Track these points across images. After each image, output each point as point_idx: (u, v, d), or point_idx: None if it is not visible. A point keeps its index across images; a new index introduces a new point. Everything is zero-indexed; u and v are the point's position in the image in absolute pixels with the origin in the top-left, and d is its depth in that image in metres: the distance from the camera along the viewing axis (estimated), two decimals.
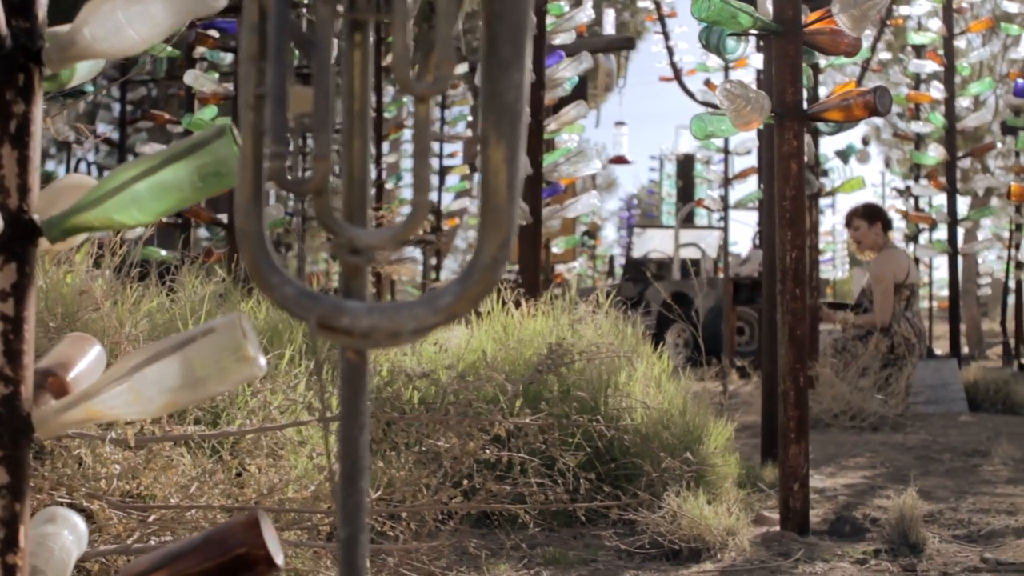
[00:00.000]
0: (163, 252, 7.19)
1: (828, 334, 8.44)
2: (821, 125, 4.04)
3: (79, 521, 1.81)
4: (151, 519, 2.73)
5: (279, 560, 1.62)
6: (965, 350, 16.41)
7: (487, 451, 3.12)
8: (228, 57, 7.36)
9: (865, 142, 22.19)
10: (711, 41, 3.95)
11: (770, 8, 3.89)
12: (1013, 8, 9.77)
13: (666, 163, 23.82)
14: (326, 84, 1.27)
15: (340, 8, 1.27)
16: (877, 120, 22.50)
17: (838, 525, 3.84)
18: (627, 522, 3.58)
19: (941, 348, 17.69)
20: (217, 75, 7.34)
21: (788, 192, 3.76)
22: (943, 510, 4.31)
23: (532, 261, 6.50)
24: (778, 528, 3.80)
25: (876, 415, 7.28)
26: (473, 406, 3.56)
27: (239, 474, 3.13)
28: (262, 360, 1.67)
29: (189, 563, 1.63)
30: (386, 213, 8.65)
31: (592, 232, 24.58)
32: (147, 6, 1.66)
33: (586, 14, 6.56)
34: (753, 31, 3.85)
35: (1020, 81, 6.08)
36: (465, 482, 3.08)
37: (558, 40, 6.68)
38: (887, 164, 19.91)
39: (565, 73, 6.61)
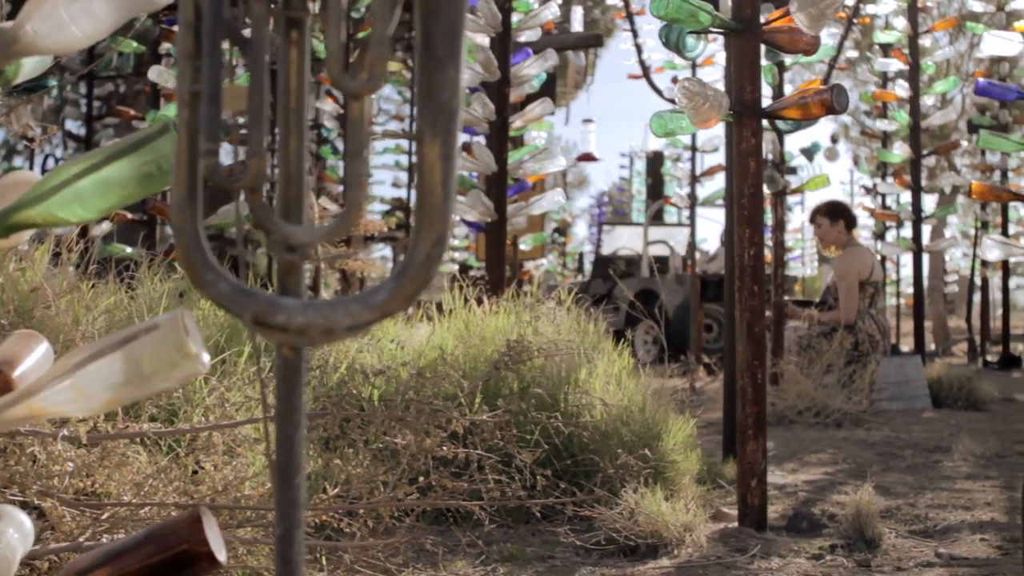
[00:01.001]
0: (128, 249, 7.15)
1: (794, 331, 8.48)
2: (781, 123, 4.04)
3: (25, 519, 1.80)
4: (104, 517, 2.72)
5: (221, 557, 1.62)
6: (932, 347, 16.54)
7: (444, 448, 3.12)
8: None
9: (834, 140, 22.27)
10: (671, 39, 3.96)
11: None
12: (979, 7, 9.81)
13: (636, 160, 23.87)
14: (260, 81, 1.27)
15: (274, 6, 1.27)
16: (845, 118, 22.64)
17: (795, 521, 3.86)
18: (586, 519, 3.59)
19: (909, 344, 17.83)
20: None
21: (746, 190, 3.78)
22: (901, 506, 4.34)
23: (497, 258, 6.50)
24: (736, 524, 3.81)
25: (840, 411, 7.32)
26: (432, 403, 3.56)
27: (196, 472, 3.13)
28: (205, 357, 1.66)
29: (131, 560, 1.62)
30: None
31: (562, 229, 24.62)
32: (89, 3, 1.65)
33: (552, 11, 6.56)
34: (712, 29, 3.86)
35: (982, 80, 6.11)
36: (422, 479, 3.08)
37: (524, 37, 6.68)
38: (856, 162, 20.02)
39: (531, 70, 6.61)
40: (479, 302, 4.63)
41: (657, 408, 4.22)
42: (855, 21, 11.38)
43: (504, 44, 6.55)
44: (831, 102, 3.66)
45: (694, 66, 10.48)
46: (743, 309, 3.78)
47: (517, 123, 6.56)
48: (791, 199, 21.10)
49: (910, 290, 21.40)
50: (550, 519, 3.64)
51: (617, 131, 44.36)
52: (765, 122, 4.16)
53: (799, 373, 7.62)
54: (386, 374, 3.50)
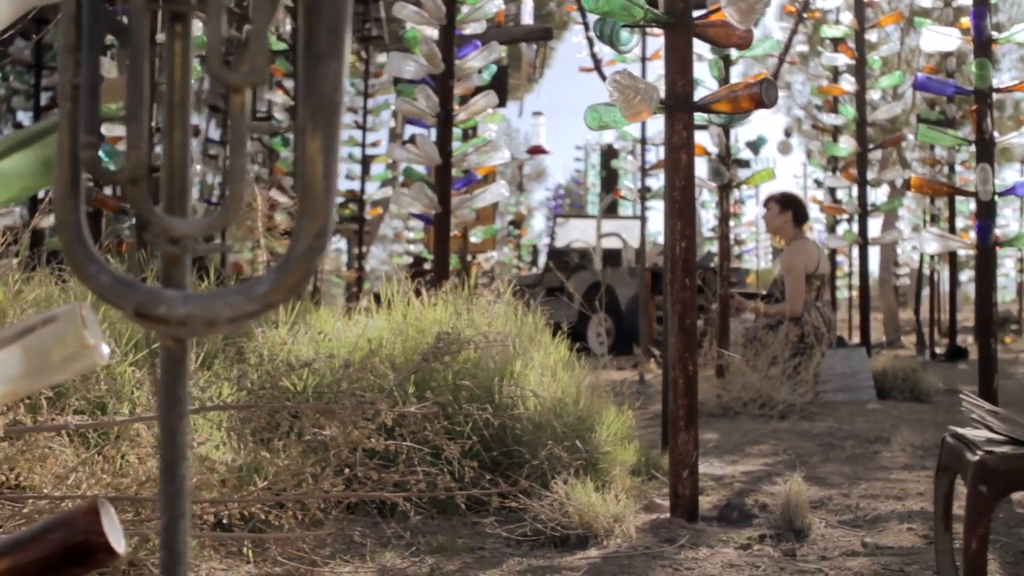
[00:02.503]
0: None
1: (741, 323, 8.55)
2: (713, 116, 4.07)
3: None
4: (25, 510, 2.71)
5: (120, 548, 1.62)
6: (884, 338, 16.68)
7: (372, 440, 3.12)
8: None
9: (787, 134, 22.46)
10: (605, 32, 3.97)
11: None
12: (927, 2, 9.90)
13: (591, 153, 23.92)
14: (140, 74, 1.27)
15: None
16: (799, 112, 22.77)
17: (727, 511, 3.90)
18: (517, 511, 3.61)
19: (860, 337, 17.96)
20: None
21: (677, 183, 3.81)
22: (834, 496, 4.39)
23: (442, 250, 6.51)
24: (668, 515, 3.84)
25: (785, 403, 7.38)
26: (366, 395, 3.56)
27: (123, 465, 3.12)
28: (104, 349, 1.66)
29: (29, 552, 1.62)
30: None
31: (518, 222, 24.64)
32: None
33: (496, 4, 6.56)
34: (645, 23, 3.88)
35: (920, 75, 6.18)
36: (347, 471, 3.09)
37: (469, 30, 6.68)
38: (809, 156, 20.12)
39: (475, 63, 6.62)
40: (417, 294, 4.63)
41: (592, 400, 4.24)
42: (805, 15, 11.45)
43: (448, 37, 6.55)
44: (760, 96, 3.69)
45: (644, 59, 10.50)
46: (675, 301, 3.81)
47: (461, 116, 6.57)
48: (745, 192, 21.24)
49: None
50: (482, 511, 3.65)
51: (573, 124, 44.45)
52: (712, 116, 4.19)
53: (745, 365, 7.67)
54: (312, 366, 3.49)
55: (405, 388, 3.81)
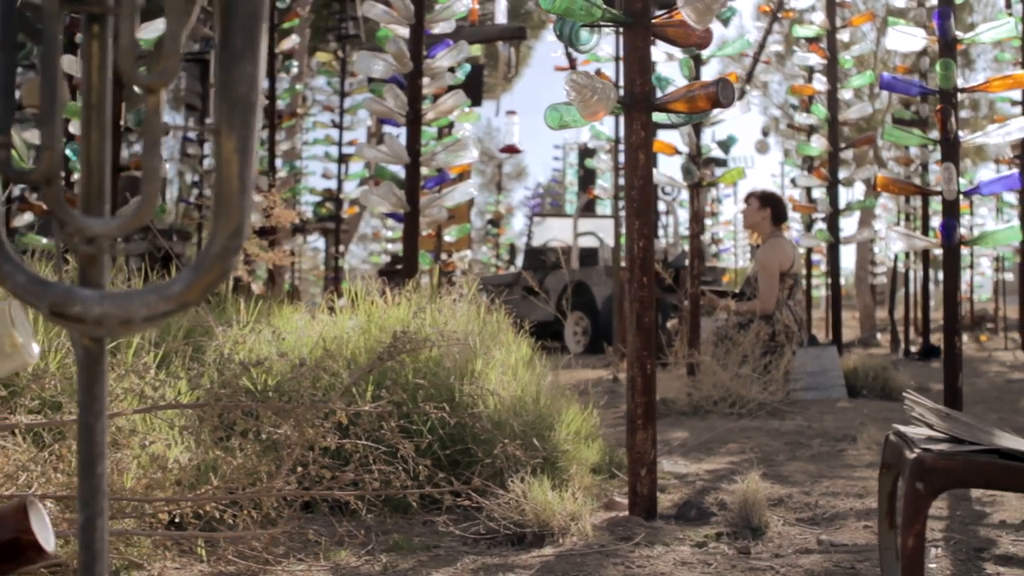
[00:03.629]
0: (43, 240, 7.09)
1: (713, 321, 8.56)
2: (672, 116, 4.09)
3: None
4: None
5: (49, 547, 1.63)
6: (860, 336, 16.74)
7: (327, 439, 3.13)
8: None
9: (765, 133, 22.51)
10: (564, 32, 3.98)
11: None
12: (901, 2, 9.95)
13: (569, 152, 23.96)
14: (52, 75, 1.27)
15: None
16: (776, 111, 22.84)
17: (685, 509, 3.91)
18: (477, 509, 3.62)
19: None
20: None
21: (636, 182, 3.82)
22: (794, 494, 4.41)
23: (411, 249, 6.51)
24: (627, 513, 3.86)
25: (755, 402, 7.40)
26: (324, 394, 3.57)
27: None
28: (34, 347, 1.67)
29: None
30: (274, 197, 8.63)
31: (496, 221, 24.65)
32: None
33: (464, 4, 6.57)
34: (603, 23, 3.89)
35: (886, 75, 6.20)
36: (301, 470, 3.09)
37: (438, 29, 6.69)
38: (786, 155, 20.20)
39: (443, 63, 6.62)
40: (382, 293, 4.64)
41: (552, 399, 4.26)
42: (779, 15, 11.49)
43: (417, 36, 6.55)
44: (716, 95, 3.70)
45: (617, 59, 10.52)
46: (633, 300, 3.82)
47: (430, 115, 6.57)
48: (723, 191, 21.31)
49: (841, 281, 21.70)
50: (440, 510, 3.66)
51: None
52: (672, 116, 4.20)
53: (715, 363, 7.69)
54: (266, 364, 3.50)
55: (365, 387, 3.82)
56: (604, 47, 10.78)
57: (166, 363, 3.73)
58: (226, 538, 2.91)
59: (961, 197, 5.87)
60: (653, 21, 3.90)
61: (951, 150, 5.68)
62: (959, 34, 5.96)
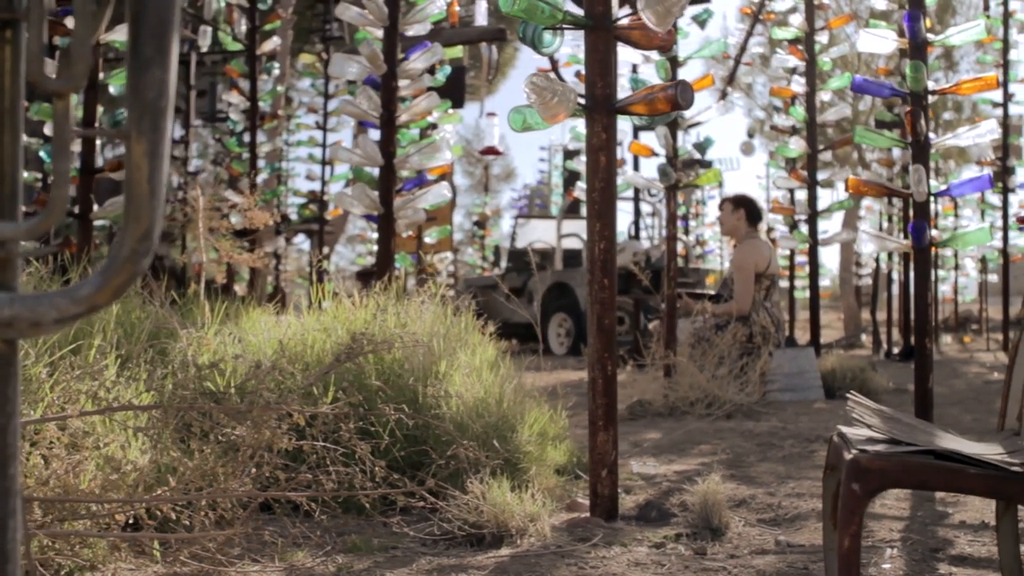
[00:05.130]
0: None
1: (691, 323, 8.57)
2: (635, 119, 4.10)
3: None
4: None
5: None
6: (843, 337, 16.76)
7: (285, 440, 3.14)
8: None
9: (750, 135, 22.56)
10: (527, 34, 3.99)
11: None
12: (881, 4, 9.98)
13: (555, 154, 23.99)
14: None
15: None
16: (760, 113, 22.88)
17: (646, 510, 3.93)
18: (437, 510, 3.62)
19: (824, 337, 18.06)
20: None
21: (597, 184, 3.83)
22: (758, 495, 4.42)
23: (385, 251, 6.52)
24: (588, 514, 3.87)
25: (731, 403, 7.41)
26: (285, 396, 3.57)
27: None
28: None
29: None
30: (252, 198, 8.63)
31: (482, 222, 24.66)
32: None
33: (437, 6, 6.58)
34: (565, 25, 3.90)
35: (858, 77, 6.23)
36: (255, 471, 3.10)
37: (412, 31, 6.69)
38: (771, 157, 20.22)
39: (418, 65, 6.63)
40: (349, 295, 4.65)
41: (516, 400, 4.27)
42: (761, 17, 11.51)
43: (391, 38, 6.56)
44: (676, 98, 3.72)
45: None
46: (594, 302, 3.83)
47: (403, 117, 6.58)
48: (708, 193, 21.33)
49: (825, 283, 21.74)
50: (400, 511, 3.67)
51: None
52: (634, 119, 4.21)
53: (692, 365, 7.70)
54: (220, 367, 3.50)
55: (326, 388, 3.82)
56: None
57: (129, 365, 3.73)
58: (180, 539, 2.91)
59: (945, 199, 5.93)
60: (615, 24, 3.91)
61: (921, 152, 5.70)
62: (930, 36, 5.99)
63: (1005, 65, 12.90)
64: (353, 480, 3.25)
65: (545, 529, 3.56)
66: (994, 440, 2.55)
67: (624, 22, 3.94)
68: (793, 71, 11.26)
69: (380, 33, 6.66)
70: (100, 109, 6.67)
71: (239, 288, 12.81)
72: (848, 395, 2.71)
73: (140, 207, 1.19)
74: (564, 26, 3.92)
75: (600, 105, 3.85)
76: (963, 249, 17.90)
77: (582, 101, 3.88)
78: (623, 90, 7.15)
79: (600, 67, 3.88)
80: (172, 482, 3.11)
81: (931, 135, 5.75)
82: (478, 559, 3.28)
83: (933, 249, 8.32)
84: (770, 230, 17.67)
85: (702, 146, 8.59)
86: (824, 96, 10.47)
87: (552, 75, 3.88)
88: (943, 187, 5.98)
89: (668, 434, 6.58)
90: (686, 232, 19.84)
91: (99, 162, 6.61)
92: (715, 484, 3.80)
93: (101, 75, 6.71)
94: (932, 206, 16.93)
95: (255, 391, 3.33)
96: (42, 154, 6.58)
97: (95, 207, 6.58)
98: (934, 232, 6.30)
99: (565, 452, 4.72)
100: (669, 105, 3.76)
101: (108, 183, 8.31)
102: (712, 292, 9.89)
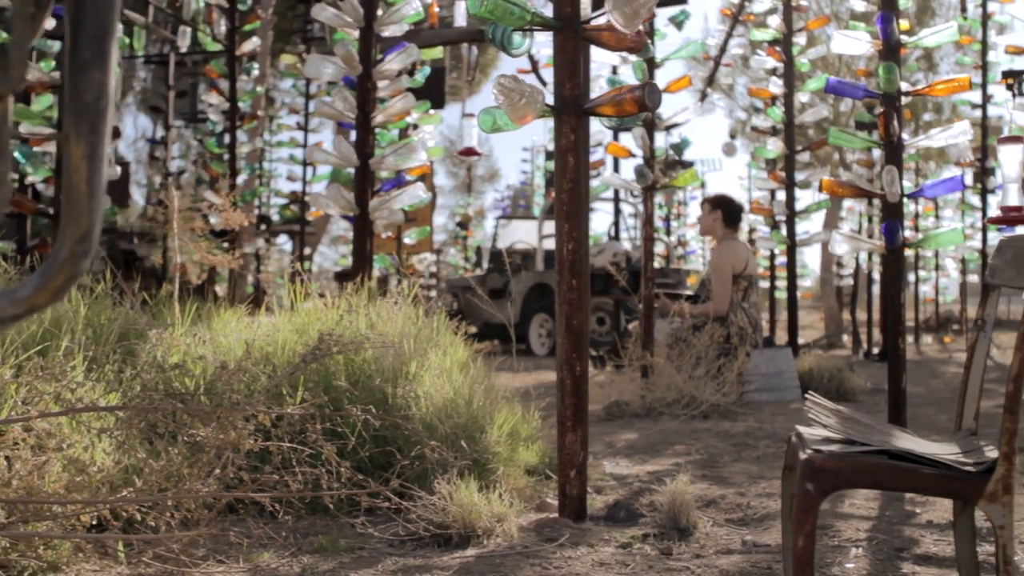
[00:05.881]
0: None
1: (668, 324, 8.59)
2: (604, 120, 4.11)
3: None
4: None
5: None
6: (824, 337, 16.79)
7: (250, 441, 3.14)
8: (56, 45, 7.23)
9: (732, 135, 22.60)
10: (496, 36, 3.99)
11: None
12: (861, 6, 10.03)
13: (537, 155, 24.01)
14: None
15: None
16: (741, 114, 22.92)
17: (614, 511, 3.93)
18: (404, 511, 3.63)
19: (805, 337, 18.11)
20: (54, 63, 7.23)
21: (565, 185, 3.84)
22: (729, 495, 4.44)
23: (361, 252, 6.52)
24: (557, 515, 3.87)
25: (708, 403, 7.42)
26: (251, 397, 3.57)
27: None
28: None
29: None
30: (228, 198, 8.61)
31: (464, 223, 24.67)
32: None
33: (413, 7, 6.58)
34: (533, 26, 3.91)
35: (832, 79, 6.25)
36: (219, 472, 3.10)
37: (388, 32, 6.69)
38: (752, 158, 20.27)
39: (393, 66, 6.63)
40: (321, 295, 4.65)
41: (486, 401, 4.27)
42: (740, 18, 11.53)
43: (367, 39, 6.57)
44: (643, 99, 3.73)
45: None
46: (562, 303, 3.84)
47: (379, 118, 6.58)
48: (690, 193, 21.37)
49: (807, 283, 21.80)
50: (368, 511, 3.67)
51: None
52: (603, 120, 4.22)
53: (669, 366, 7.72)
54: (183, 368, 3.50)
55: (295, 389, 3.83)
56: None
57: (95, 366, 3.72)
58: (143, 540, 2.91)
59: (926, 200, 5.95)
60: (583, 25, 3.92)
61: (895, 153, 5.72)
62: (903, 38, 6.02)
63: (984, 67, 12.94)
64: (319, 481, 3.25)
65: (512, 530, 3.57)
66: (951, 440, 2.56)
67: (599, 22, 3.94)
68: (773, 72, 11.30)
69: (356, 33, 6.66)
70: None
71: (220, 289, 12.79)
72: (806, 396, 2.73)
73: (79, 209, 1.19)
74: (533, 27, 3.93)
75: (569, 106, 3.86)
76: (936, 250, 17.97)
77: (550, 102, 3.89)
78: (605, 92, 7.16)
79: (569, 68, 3.89)
80: (138, 483, 3.11)
81: (905, 136, 5.78)
82: (443, 560, 3.29)
83: (911, 250, 8.37)
84: (752, 231, 17.75)
85: (679, 147, 8.61)
86: (802, 97, 10.50)
87: (520, 76, 3.87)
88: (916, 188, 6.00)
89: (644, 435, 6.59)
90: (668, 233, 19.88)
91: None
92: (683, 484, 3.81)
93: None
94: (912, 207, 17.04)
95: (221, 392, 3.33)
96: (17, 155, 6.56)
97: None
98: (909, 233, 6.34)
99: (537, 452, 4.73)
100: (636, 107, 3.76)
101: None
102: (689, 293, 9.91)
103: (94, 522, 3.11)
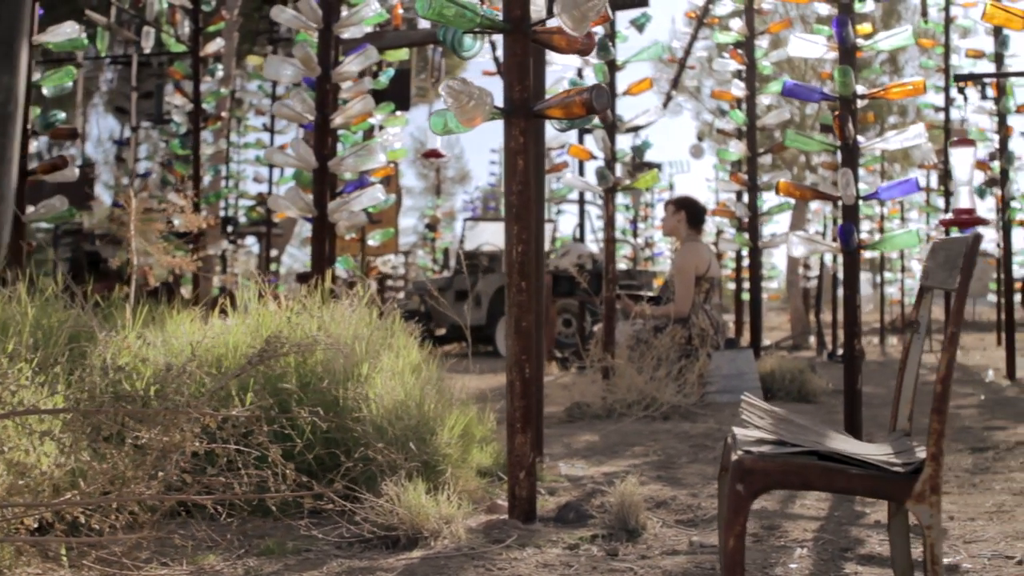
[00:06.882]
0: None
1: (630, 325, 8.60)
2: (554, 122, 4.12)
3: None
4: None
5: None
6: (790, 338, 16.87)
7: (195, 443, 3.13)
8: None
9: (700, 138, 22.67)
10: (447, 38, 4.00)
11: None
12: (825, 11, 10.11)
13: None
14: None
15: None
16: (708, 116, 23.02)
17: (564, 512, 3.94)
18: (341, 513, 3.62)
19: (772, 339, 18.18)
20: None
21: (515, 187, 3.85)
22: (680, 496, 4.45)
23: (319, 253, 6.52)
24: (507, 516, 3.88)
25: (669, 404, 7.45)
26: (197, 399, 3.56)
27: None
28: None
29: None
30: (188, 199, 8.61)
31: (433, 225, 24.67)
32: None
33: (372, 9, 6.58)
34: (483, 29, 3.92)
35: (789, 82, 6.28)
36: (161, 474, 3.09)
37: (347, 34, 6.69)
38: (720, 160, 20.35)
39: (351, 68, 6.63)
40: (275, 298, 4.64)
41: (437, 403, 4.28)
42: (705, 21, 11.58)
43: (326, 40, 6.57)
44: (591, 102, 3.74)
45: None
46: (511, 305, 3.85)
47: (338, 120, 6.57)
48: (657, 195, 21.42)
49: (773, 285, 21.89)
50: (314, 513, 3.67)
51: (491, 127, 44.51)
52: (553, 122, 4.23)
53: (630, 367, 7.74)
54: (125, 370, 3.49)
55: (245, 391, 3.82)
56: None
57: (40, 369, 3.70)
58: (86, 543, 2.90)
59: (891, 203, 6.00)
60: (533, 28, 3.93)
61: (850, 155, 5.76)
62: (859, 41, 6.06)
63: (946, 70, 13.03)
64: (266, 483, 3.25)
65: (460, 531, 3.57)
66: (885, 441, 2.58)
67: (551, 24, 3.95)
68: (739, 75, 11.35)
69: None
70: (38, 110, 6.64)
71: (185, 291, 12.74)
72: (742, 397, 2.75)
73: None
74: (483, 30, 3.93)
75: (518, 109, 3.87)
76: (902, 251, 18.10)
77: (500, 105, 3.90)
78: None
79: (518, 71, 3.89)
80: (83, 485, 3.10)
81: (861, 139, 5.82)
82: (388, 561, 3.29)
83: (871, 251, 8.44)
84: (720, 232, 17.81)
85: (640, 149, 8.63)
86: (765, 100, 10.55)
87: (468, 79, 3.87)
88: (872, 191, 6.04)
89: (604, 436, 6.61)
90: (635, 235, 19.93)
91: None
92: (632, 486, 3.82)
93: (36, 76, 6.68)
94: (878, 209, 17.13)
95: (166, 394, 3.32)
96: None
97: (28, 209, 6.54)
98: (864, 235, 6.39)
99: (491, 454, 4.73)
100: (585, 109, 3.78)
101: (45, 186, 8.26)
102: (651, 294, 9.93)
103: (36, 525, 3.11)
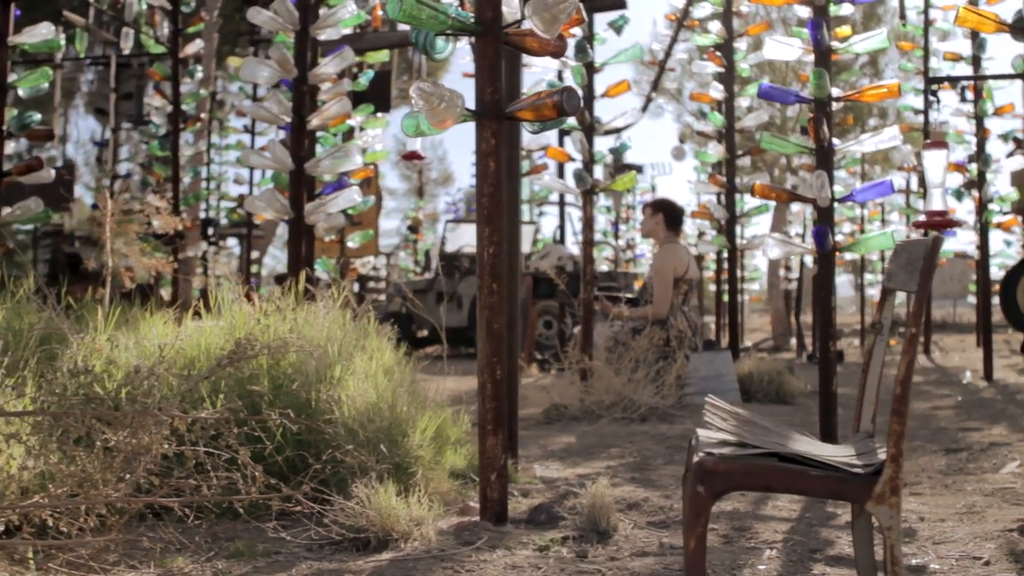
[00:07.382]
0: None
1: (608, 327, 8.62)
2: (527, 125, 4.13)
3: None
4: None
5: None
6: (771, 339, 16.91)
7: (163, 446, 3.13)
8: None
9: (681, 140, 22.72)
10: (419, 41, 4.00)
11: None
12: (805, 12, 10.14)
13: None
14: None
15: None
16: (689, 118, 23.05)
17: (535, 514, 3.95)
18: (307, 516, 3.62)
19: (754, 340, 18.23)
20: None
21: (486, 189, 3.86)
22: (653, 497, 4.46)
23: (296, 255, 6.51)
24: (479, 518, 3.88)
25: (646, 406, 7.46)
26: (166, 401, 3.55)
27: None
28: None
29: None
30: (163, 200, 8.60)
31: (415, 227, 24.67)
32: None
33: (349, 11, 6.58)
34: (454, 31, 3.92)
35: (765, 84, 6.30)
36: (129, 476, 3.09)
37: (324, 36, 6.69)
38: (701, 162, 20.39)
39: (328, 69, 6.63)
40: (248, 300, 4.64)
41: (410, 405, 4.28)
42: (685, 23, 11.60)
43: (303, 42, 6.56)
44: (562, 104, 3.74)
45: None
46: (482, 307, 3.85)
47: (314, 121, 6.57)
48: (639, 198, 21.44)
49: (755, 287, 21.94)
50: (284, 515, 3.67)
51: (473, 129, 44.49)
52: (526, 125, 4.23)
53: (608, 369, 7.75)
54: (92, 372, 3.48)
55: (216, 393, 3.82)
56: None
57: (7, 371, 3.69)
58: (53, 546, 2.89)
59: (871, 204, 6.02)
60: (505, 30, 3.94)
61: (825, 158, 5.79)
62: (835, 44, 6.08)
63: (926, 72, 13.07)
64: (235, 485, 3.24)
65: (430, 533, 3.58)
66: (848, 443, 2.60)
67: (524, 27, 3.96)
68: (718, 77, 11.38)
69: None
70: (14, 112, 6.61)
71: (164, 292, 12.71)
72: (706, 399, 2.76)
73: None
74: (454, 32, 3.94)
75: (489, 111, 3.87)
76: (881, 252, 18.14)
77: (471, 107, 3.91)
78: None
79: (489, 73, 3.90)
80: (51, 488, 3.10)
81: (836, 141, 5.85)
82: (358, 563, 3.29)
83: (846, 253, 8.45)
84: (700, 234, 17.84)
85: (619, 151, 8.65)
86: (744, 102, 10.58)
87: (440, 82, 3.88)
88: (847, 193, 6.07)
89: (581, 437, 6.62)
90: (616, 236, 19.94)
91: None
92: (604, 487, 3.83)
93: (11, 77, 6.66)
94: (858, 211, 17.20)
95: (135, 397, 3.32)
96: None
97: (4, 210, 6.53)
98: (840, 237, 6.41)
99: (465, 456, 4.74)
100: (555, 111, 3.78)
101: (23, 187, 8.21)
102: (629, 296, 9.95)
103: (3, 528, 3.10)
